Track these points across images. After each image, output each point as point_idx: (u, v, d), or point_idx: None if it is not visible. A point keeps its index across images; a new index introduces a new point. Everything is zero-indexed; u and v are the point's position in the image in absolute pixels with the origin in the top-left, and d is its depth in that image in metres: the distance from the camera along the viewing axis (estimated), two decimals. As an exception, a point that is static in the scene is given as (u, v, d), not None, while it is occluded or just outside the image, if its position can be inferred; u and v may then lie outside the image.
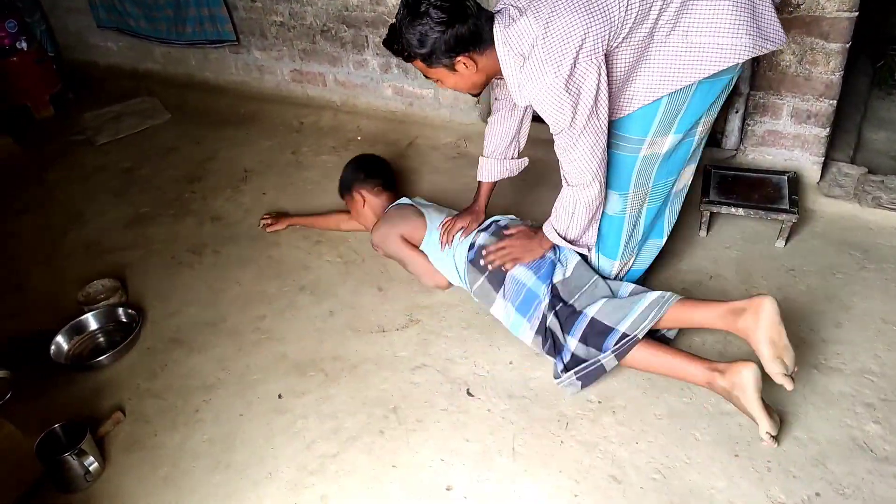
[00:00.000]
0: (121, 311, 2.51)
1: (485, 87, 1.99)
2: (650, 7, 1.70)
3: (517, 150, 2.33)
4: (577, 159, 1.84)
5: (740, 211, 2.45)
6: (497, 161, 2.35)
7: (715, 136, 2.81)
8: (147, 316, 2.53)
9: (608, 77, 1.75)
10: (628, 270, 2.25)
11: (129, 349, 2.38)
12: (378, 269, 2.61)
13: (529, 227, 2.28)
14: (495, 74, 1.91)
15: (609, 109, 1.81)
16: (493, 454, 1.88)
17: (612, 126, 1.93)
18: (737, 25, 1.68)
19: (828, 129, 2.52)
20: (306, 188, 3.18)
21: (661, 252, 2.48)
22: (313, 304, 2.49)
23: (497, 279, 2.19)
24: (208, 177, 3.38)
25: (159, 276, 2.73)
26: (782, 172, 2.56)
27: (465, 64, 1.84)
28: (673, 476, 1.77)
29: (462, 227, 2.37)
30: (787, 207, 2.41)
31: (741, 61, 1.74)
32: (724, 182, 2.56)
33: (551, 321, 2.05)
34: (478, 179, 2.42)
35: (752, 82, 2.55)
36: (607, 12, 1.67)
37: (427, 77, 1.94)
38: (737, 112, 2.66)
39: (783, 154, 2.63)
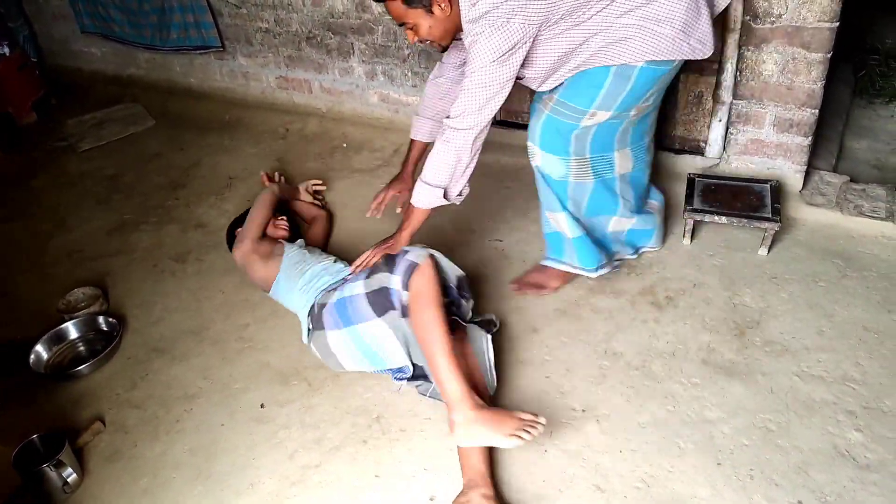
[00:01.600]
0: (101, 319, 2.49)
1: (452, 40, 2.03)
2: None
3: (445, 111, 2.38)
4: (470, 91, 1.91)
5: (723, 219, 2.46)
6: (428, 121, 2.44)
7: (697, 145, 2.82)
8: (128, 324, 2.50)
9: (545, 46, 1.92)
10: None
11: (110, 358, 2.35)
12: (363, 276, 2.60)
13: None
14: (460, 25, 1.95)
15: (552, 73, 2.01)
16: (477, 463, 1.87)
17: (558, 95, 2.08)
18: (686, 23, 1.87)
19: (810, 138, 2.54)
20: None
21: (646, 260, 2.50)
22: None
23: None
24: (192, 184, 3.36)
25: (142, 283, 2.70)
26: (765, 181, 2.58)
27: (440, 5, 1.88)
28: (656, 485, 1.77)
29: (395, 195, 2.51)
30: (770, 216, 2.42)
31: (684, 58, 1.95)
32: (707, 190, 2.58)
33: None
34: (411, 137, 2.52)
35: (735, 91, 2.56)
36: None
37: (401, 24, 1.97)
38: (720, 121, 2.67)
39: (766, 163, 2.64)
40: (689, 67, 2.67)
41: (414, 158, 2.54)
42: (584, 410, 1.99)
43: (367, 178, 3.22)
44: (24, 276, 2.84)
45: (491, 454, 1.86)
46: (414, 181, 2.34)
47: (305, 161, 3.44)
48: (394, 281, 1.92)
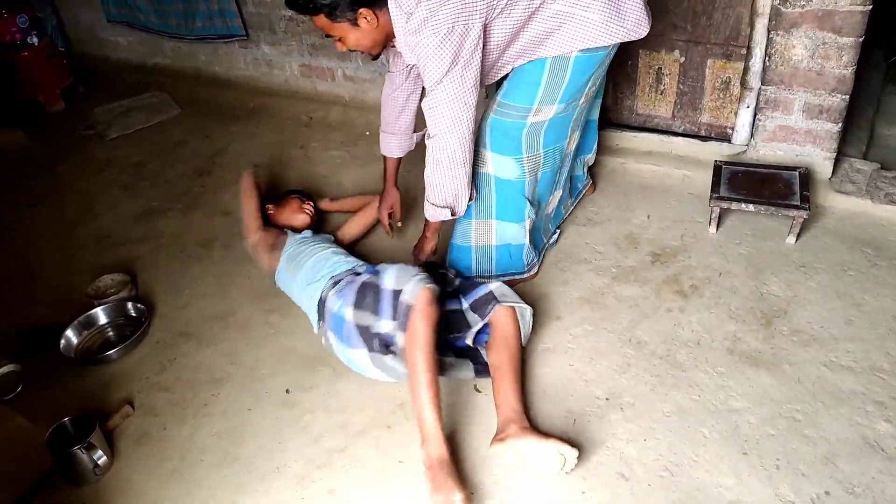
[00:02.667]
0: (130, 305, 2.53)
1: (383, 49, 2.03)
2: None
3: (409, 122, 2.42)
4: (441, 108, 1.90)
5: (750, 207, 2.43)
6: (395, 136, 2.46)
7: (724, 132, 2.79)
8: (156, 310, 2.54)
9: (486, 41, 1.88)
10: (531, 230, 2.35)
11: (139, 343, 2.39)
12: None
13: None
14: (391, 35, 1.95)
15: (491, 69, 2.01)
16: (500, 451, 1.88)
17: (499, 97, 2.11)
18: (605, 9, 1.90)
19: (840, 125, 2.49)
20: (317, 182, 3.18)
21: (670, 248, 2.48)
22: (321, 298, 2.49)
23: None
24: (217, 171, 3.39)
25: (169, 269, 2.74)
26: (793, 168, 2.54)
27: (366, 18, 1.88)
28: (681, 474, 1.77)
29: (391, 212, 2.58)
30: (798, 203, 2.39)
31: (619, 41, 1.99)
32: (734, 178, 2.55)
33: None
34: (381, 153, 2.54)
35: (763, 77, 2.52)
36: None
37: (328, 36, 1.97)
38: (748, 107, 2.63)
39: (794, 149, 2.60)
40: (714, 53, 2.63)
41: (392, 172, 2.56)
42: (607, 399, 1.99)
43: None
44: (53, 261, 2.89)
45: (524, 390, 1.96)
46: (399, 190, 2.53)
47: (329, 149, 3.45)
48: (380, 325, 1.90)
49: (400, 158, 2.53)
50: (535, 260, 2.42)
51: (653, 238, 2.55)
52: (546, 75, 2.01)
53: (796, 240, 2.42)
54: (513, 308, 2.01)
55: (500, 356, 1.96)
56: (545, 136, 2.16)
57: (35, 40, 4.11)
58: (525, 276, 2.40)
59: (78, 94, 4.37)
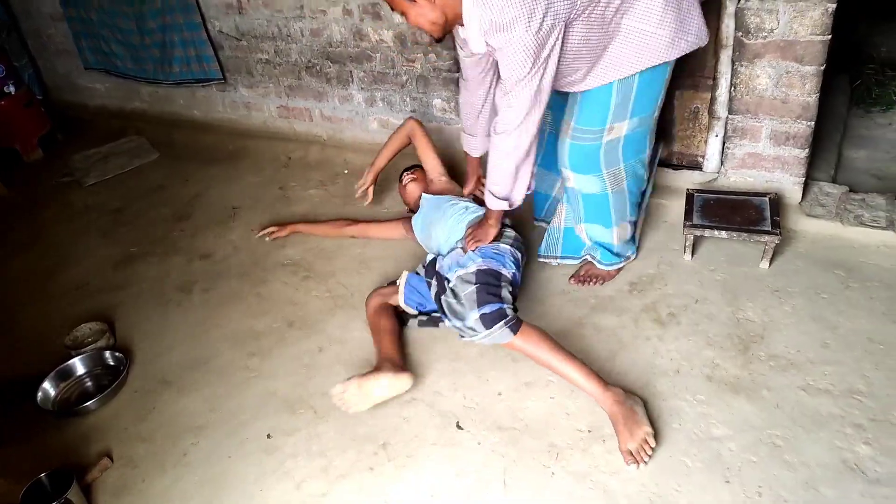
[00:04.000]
0: (108, 354, 2.50)
1: (445, 33, 2.02)
2: None
3: (487, 125, 2.44)
4: (518, 106, 1.97)
5: (723, 233, 2.46)
6: (475, 138, 2.54)
7: (696, 160, 2.84)
8: (135, 357, 2.52)
9: (563, 45, 1.93)
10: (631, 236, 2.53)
11: (117, 393, 2.36)
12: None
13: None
14: (455, 19, 1.97)
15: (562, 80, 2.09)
16: (484, 488, 1.87)
17: (573, 122, 2.21)
18: (668, 22, 1.98)
19: (807, 150, 2.54)
20: (295, 221, 3.18)
21: (647, 276, 2.51)
22: (302, 340, 2.48)
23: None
24: (196, 214, 3.39)
25: (148, 316, 2.72)
26: (764, 194, 2.58)
27: None
28: (664, 505, 1.76)
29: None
30: (770, 229, 2.42)
31: (674, 58, 2.06)
32: (706, 205, 2.58)
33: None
34: (464, 150, 2.64)
35: (730, 106, 2.58)
36: None
37: (393, 9, 2.00)
38: (716, 136, 2.68)
39: (764, 176, 2.65)
40: (683, 85, 2.69)
41: (475, 168, 2.69)
42: (589, 431, 1.99)
43: (368, 204, 3.24)
44: (31, 311, 2.87)
45: (401, 341, 2.32)
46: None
47: (308, 188, 3.47)
48: (470, 318, 2.09)
49: (480, 157, 2.61)
50: (631, 252, 2.58)
51: (629, 266, 2.57)
52: (614, 95, 2.11)
53: (770, 264, 2.45)
54: None
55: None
56: (623, 151, 2.25)
57: (12, 89, 4.13)
58: (624, 263, 2.56)
59: (56, 141, 4.38)
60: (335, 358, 2.38)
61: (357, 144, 3.65)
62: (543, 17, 1.81)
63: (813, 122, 2.49)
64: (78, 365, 2.48)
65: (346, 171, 3.56)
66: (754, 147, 2.61)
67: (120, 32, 3.95)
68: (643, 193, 2.56)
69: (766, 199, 2.56)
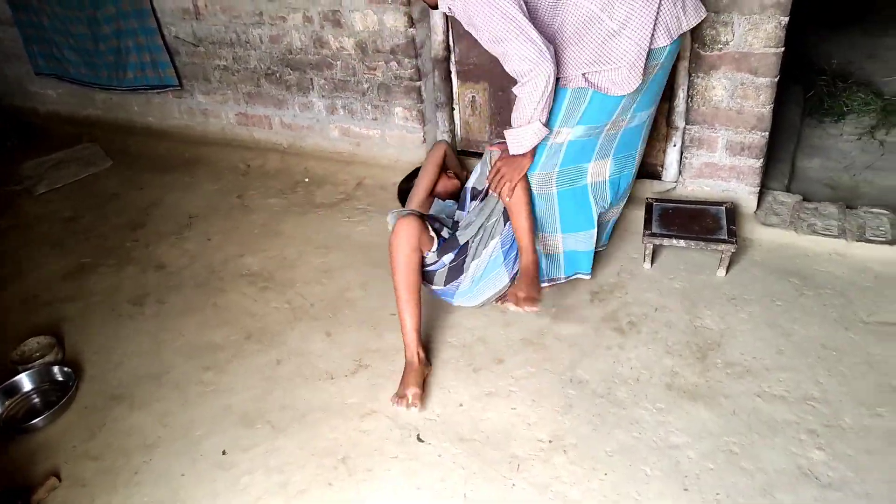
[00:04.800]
0: (56, 369, 2.42)
1: None
2: None
3: None
4: (515, 55, 1.98)
5: (682, 242, 2.49)
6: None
7: (655, 169, 2.87)
8: (86, 372, 2.44)
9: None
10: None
11: (66, 409, 2.28)
12: (327, 313, 2.58)
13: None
14: None
15: None
16: (445, 502, 1.85)
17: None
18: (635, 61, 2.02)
19: (762, 160, 2.59)
20: (252, 232, 3.14)
21: (608, 285, 2.51)
22: (260, 352, 2.44)
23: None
24: (151, 223, 3.31)
25: (99, 329, 2.64)
26: (720, 203, 2.62)
27: None
28: (624, 514, 1.77)
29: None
30: (726, 237, 2.46)
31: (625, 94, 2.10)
32: (665, 214, 2.61)
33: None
34: None
35: (688, 117, 2.61)
36: None
37: None
38: (674, 146, 2.72)
39: (720, 185, 2.69)
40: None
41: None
42: (550, 441, 1.98)
43: (330, 212, 3.21)
44: (-23, 326, 2.76)
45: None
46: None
47: (267, 196, 3.42)
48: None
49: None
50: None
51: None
52: (566, 101, 2.13)
53: (726, 272, 2.49)
54: None
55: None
56: (564, 155, 2.24)
57: (-42, 95, 3.99)
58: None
59: (6, 148, 4.24)
60: (295, 371, 2.34)
61: (318, 152, 3.61)
62: None
63: (767, 133, 2.54)
64: (25, 381, 2.39)
65: (306, 180, 3.52)
66: (711, 157, 2.65)
67: (73, 38, 3.85)
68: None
69: (723, 208, 2.60)
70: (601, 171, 2.34)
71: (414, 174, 2.93)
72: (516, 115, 2.14)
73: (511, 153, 2.24)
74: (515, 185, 2.24)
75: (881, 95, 3.56)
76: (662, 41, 2.04)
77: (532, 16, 2.01)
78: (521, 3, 1.97)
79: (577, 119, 2.16)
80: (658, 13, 1.99)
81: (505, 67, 2.05)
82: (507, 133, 2.21)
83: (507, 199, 2.25)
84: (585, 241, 2.43)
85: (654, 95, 2.26)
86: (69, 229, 3.36)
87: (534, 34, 1.95)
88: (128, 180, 3.73)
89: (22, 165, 3.97)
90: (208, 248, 3.06)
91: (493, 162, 2.33)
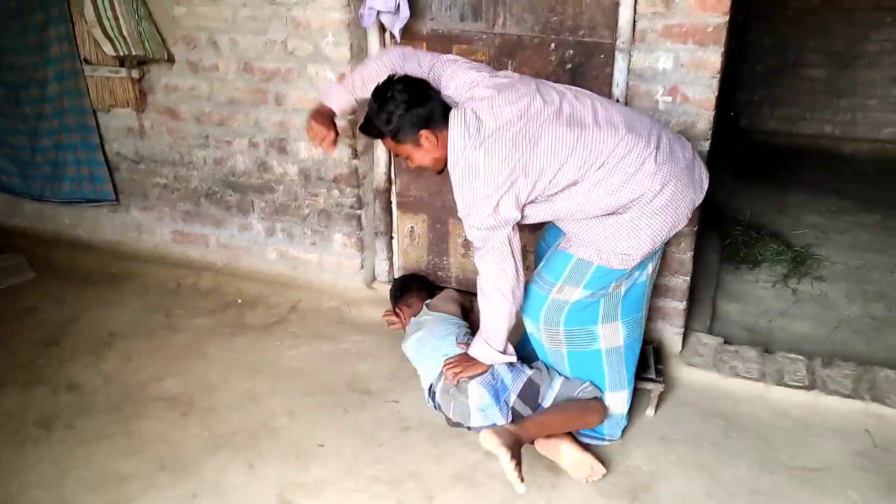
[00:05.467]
0: (-57, 498, 2.20)
1: (446, 165, 2.14)
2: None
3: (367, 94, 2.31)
4: (488, 273, 2.14)
5: (612, 380, 2.53)
6: (347, 95, 2.41)
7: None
8: (-24, 503, 2.22)
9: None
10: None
11: (-53, 545, 2.05)
12: (249, 442, 2.46)
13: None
14: None
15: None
16: None
17: (541, 267, 2.29)
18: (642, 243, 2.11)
19: (685, 303, 2.71)
20: (177, 352, 3.02)
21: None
22: (174, 485, 2.28)
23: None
24: (68, 340, 3.15)
25: (0, 453, 2.44)
26: (647, 342, 2.70)
27: (426, 138, 2.10)
28: None
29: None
30: (654, 377, 2.52)
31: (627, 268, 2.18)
32: (595, 351, 2.67)
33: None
34: (323, 101, 2.45)
35: (616, 258, 2.74)
36: (541, 172, 2.02)
37: (397, 155, 2.27)
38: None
39: (647, 325, 2.78)
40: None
41: (327, 116, 2.42)
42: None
43: (260, 335, 3.14)
44: None
45: None
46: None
47: (196, 316, 3.33)
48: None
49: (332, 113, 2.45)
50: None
51: (523, 411, 2.57)
52: (570, 266, 2.19)
53: (655, 412, 2.52)
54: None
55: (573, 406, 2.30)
56: (567, 317, 2.25)
57: None
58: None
59: (-80, 254, 4.03)
60: (209, 506, 2.19)
61: (253, 273, 3.58)
62: (498, 203, 2.01)
63: (689, 277, 2.68)
64: None
65: (238, 301, 3.45)
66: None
67: (10, 148, 3.79)
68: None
69: (650, 347, 2.68)
70: (615, 336, 2.32)
71: (410, 278, 3.11)
72: (483, 327, 2.29)
73: (470, 352, 2.36)
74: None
75: (791, 246, 3.85)
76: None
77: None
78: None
79: (583, 282, 2.19)
80: None
81: (473, 249, 2.17)
82: (478, 343, 2.33)
83: (454, 381, 2.36)
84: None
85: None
86: (-23, 343, 3.16)
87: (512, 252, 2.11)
88: (49, 294, 3.57)
89: (-66, 273, 3.77)
90: (128, 368, 2.91)
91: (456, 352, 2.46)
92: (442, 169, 2.20)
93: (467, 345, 2.44)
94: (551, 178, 2.02)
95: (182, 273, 3.67)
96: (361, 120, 2.21)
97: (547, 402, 2.32)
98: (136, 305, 3.44)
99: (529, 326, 2.36)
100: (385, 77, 2.20)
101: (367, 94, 2.25)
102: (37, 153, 3.71)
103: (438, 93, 2.16)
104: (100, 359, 2.99)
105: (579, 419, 2.30)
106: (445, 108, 2.12)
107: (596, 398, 2.33)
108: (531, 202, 2.08)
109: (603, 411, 2.33)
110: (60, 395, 2.75)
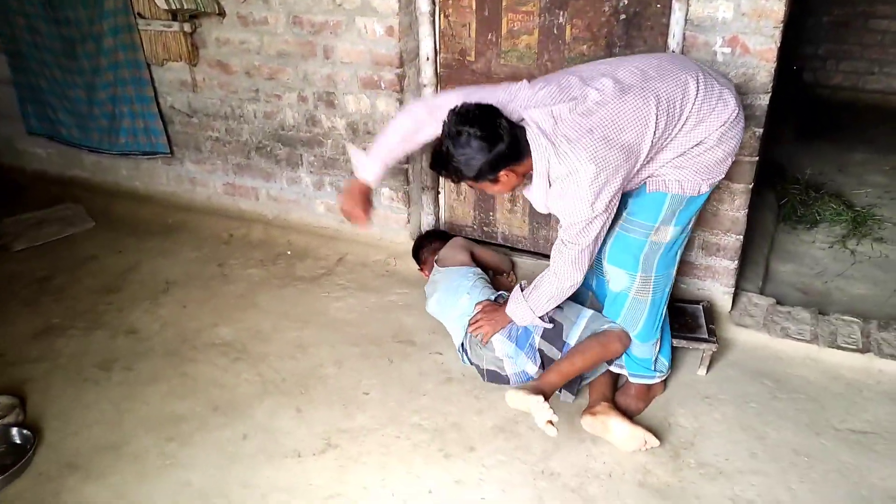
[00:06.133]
0: (15, 431, 2.34)
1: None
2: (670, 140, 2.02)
3: (401, 156, 2.43)
4: (571, 256, 2.11)
5: (659, 338, 2.50)
6: (382, 165, 2.41)
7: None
8: (44, 437, 2.35)
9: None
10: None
11: (20, 474, 2.19)
12: (298, 389, 2.53)
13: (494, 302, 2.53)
14: (527, 174, 2.09)
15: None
16: None
17: (627, 212, 2.21)
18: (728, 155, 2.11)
19: (736, 262, 2.65)
20: (229, 301, 3.11)
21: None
22: (226, 426, 2.37)
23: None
24: (127, 287, 3.27)
25: (62, 393, 2.57)
26: (696, 301, 2.66)
27: (506, 175, 2.03)
28: None
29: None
30: (707, 336, 2.48)
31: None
32: (642, 309, 2.64)
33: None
34: (359, 176, 2.46)
35: (666, 215, 2.69)
36: (639, 152, 1.97)
37: (473, 188, 2.29)
38: (653, 242, 2.78)
39: (696, 283, 2.74)
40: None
41: (363, 193, 2.48)
42: (519, 537, 1.93)
43: (309, 286, 3.21)
44: (-65, 383, 2.67)
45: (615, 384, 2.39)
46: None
47: (247, 267, 3.41)
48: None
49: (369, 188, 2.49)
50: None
51: (566, 367, 2.58)
52: (668, 201, 2.13)
53: (707, 371, 2.50)
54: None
55: (591, 343, 2.30)
56: (660, 258, 2.23)
57: (-54, 148, 4.00)
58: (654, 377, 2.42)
59: (-13, 204, 4.22)
60: (259, 447, 2.27)
61: (302, 226, 3.64)
62: (600, 192, 1.96)
63: (742, 236, 2.61)
64: (-20, 442, 2.30)
65: (288, 252, 3.52)
66: (687, 255, 2.71)
67: (68, 101, 3.90)
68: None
69: (700, 306, 2.63)
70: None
71: (420, 237, 3.12)
72: (534, 296, 2.29)
73: (507, 311, 2.37)
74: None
75: (851, 207, 3.71)
76: None
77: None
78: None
79: (676, 217, 2.16)
80: None
81: (560, 231, 2.13)
82: (516, 297, 2.34)
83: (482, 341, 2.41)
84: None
85: None
86: (42, 289, 3.31)
87: (594, 251, 2.12)
88: (107, 243, 3.71)
89: (2, 222, 3.94)
90: (183, 315, 3.02)
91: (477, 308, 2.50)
92: (514, 190, 2.20)
93: (490, 302, 2.49)
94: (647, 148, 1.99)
95: (234, 224, 3.76)
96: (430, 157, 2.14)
97: (573, 339, 2.34)
98: (191, 255, 3.54)
99: (620, 278, 2.27)
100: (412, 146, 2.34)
101: (398, 159, 2.40)
102: (94, 106, 3.81)
103: (506, 120, 1.99)
104: (157, 305, 3.10)
105: (603, 351, 2.30)
106: (516, 137, 1.99)
107: (612, 327, 2.34)
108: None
109: (625, 337, 2.31)
110: (119, 340, 2.87)
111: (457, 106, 1.98)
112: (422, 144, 2.35)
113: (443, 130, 2.00)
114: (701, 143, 2.04)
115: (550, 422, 2.03)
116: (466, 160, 1.96)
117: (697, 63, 2.10)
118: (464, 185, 3.19)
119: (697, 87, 1.98)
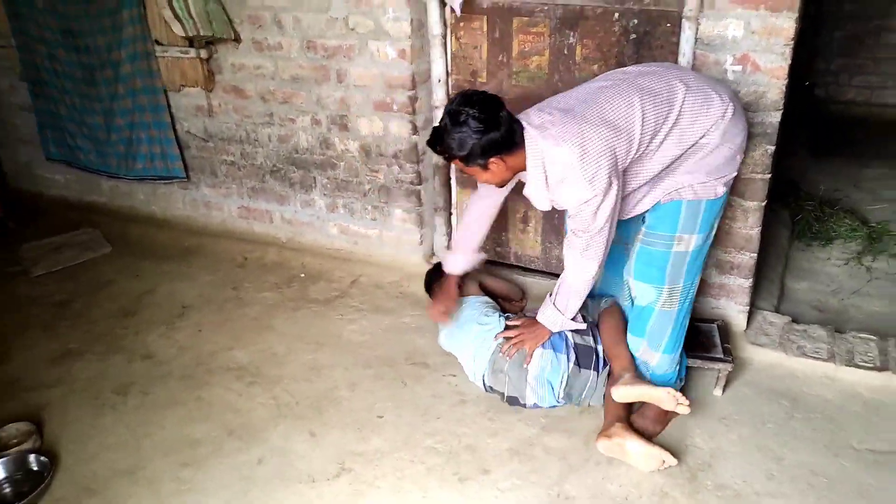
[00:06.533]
0: (32, 458, 2.36)
1: (510, 181, 2.26)
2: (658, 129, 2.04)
3: (481, 236, 2.63)
4: (594, 247, 2.15)
5: (673, 358, 2.49)
6: (465, 256, 2.65)
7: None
8: (61, 461, 2.37)
9: (625, 185, 2.10)
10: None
11: (38, 501, 2.20)
12: (312, 412, 2.54)
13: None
14: (519, 169, 2.15)
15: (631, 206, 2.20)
16: None
17: (647, 226, 2.24)
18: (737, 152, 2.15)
19: (750, 280, 2.64)
20: (244, 324, 3.13)
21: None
22: (241, 450, 2.38)
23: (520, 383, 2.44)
24: (144, 311, 3.31)
25: (79, 417, 2.59)
26: (711, 320, 2.64)
27: (496, 164, 2.09)
28: None
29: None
30: (722, 356, 2.46)
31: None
32: (656, 329, 2.62)
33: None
34: (447, 271, 2.70)
35: (679, 234, 2.68)
36: (630, 131, 2.00)
37: (463, 172, 2.30)
38: (666, 261, 2.77)
39: (710, 302, 2.73)
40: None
41: (452, 287, 2.70)
42: (535, 561, 1.91)
43: (322, 308, 3.22)
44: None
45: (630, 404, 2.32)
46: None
47: (262, 290, 3.44)
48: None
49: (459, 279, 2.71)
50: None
51: (580, 388, 2.57)
52: (684, 209, 2.16)
53: (723, 392, 2.47)
54: None
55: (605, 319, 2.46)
56: (687, 267, 2.24)
57: (-32, 175, 4.07)
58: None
59: (7, 229, 4.28)
60: (275, 471, 2.28)
61: (316, 248, 3.66)
62: (608, 177, 1.99)
63: (756, 254, 2.60)
64: (-1, 469, 2.33)
65: (302, 275, 3.55)
66: (701, 274, 2.69)
67: (87, 127, 3.97)
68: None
69: (715, 325, 2.62)
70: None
71: (428, 273, 3.05)
72: (559, 298, 2.36)
73: (539, 319, 2.43)
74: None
75: (867, 223, 3.67)
76: None
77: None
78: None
79: (698, 224, 2.19)
80: None
81: (568, 222, 2.19)
82: (545, 304, 2.40)
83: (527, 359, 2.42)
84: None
85: None
86: (61, 313, 3.35)
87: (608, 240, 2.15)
88: (125, 267, 3.75)
89: (21, 247, 4.00)
90: (198, 339, 3.04)
91: (514, 322, 2.54)
92: (504, 185, 2.25)
93: (525, 317, 2.53)
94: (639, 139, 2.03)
95: (248, 248, 3.79)
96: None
97: (594, 314, 2.50)
98: (207, 279, 3.57)
99: (646, 293, 2.29)
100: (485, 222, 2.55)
101: (479, 242, 2.62)
102: (111, 132, 3.87)
103: (508, 112, 2.08)
104: (173, 329, 3.13)
105: (617, 322, 2.43)
106: (513, 129, 2.07)
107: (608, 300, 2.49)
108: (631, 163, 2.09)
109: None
110: (136, 364, 2.90)
111: (465, 89, 2.11)
112: (494, 216, 2.59)
113: (444, 108, 2.11)
114: (706, 142, 2.07)
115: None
116: (461, 139, 2.03)
117: (688, 69, 2.20)
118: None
119: (686, 85, 2.05)
